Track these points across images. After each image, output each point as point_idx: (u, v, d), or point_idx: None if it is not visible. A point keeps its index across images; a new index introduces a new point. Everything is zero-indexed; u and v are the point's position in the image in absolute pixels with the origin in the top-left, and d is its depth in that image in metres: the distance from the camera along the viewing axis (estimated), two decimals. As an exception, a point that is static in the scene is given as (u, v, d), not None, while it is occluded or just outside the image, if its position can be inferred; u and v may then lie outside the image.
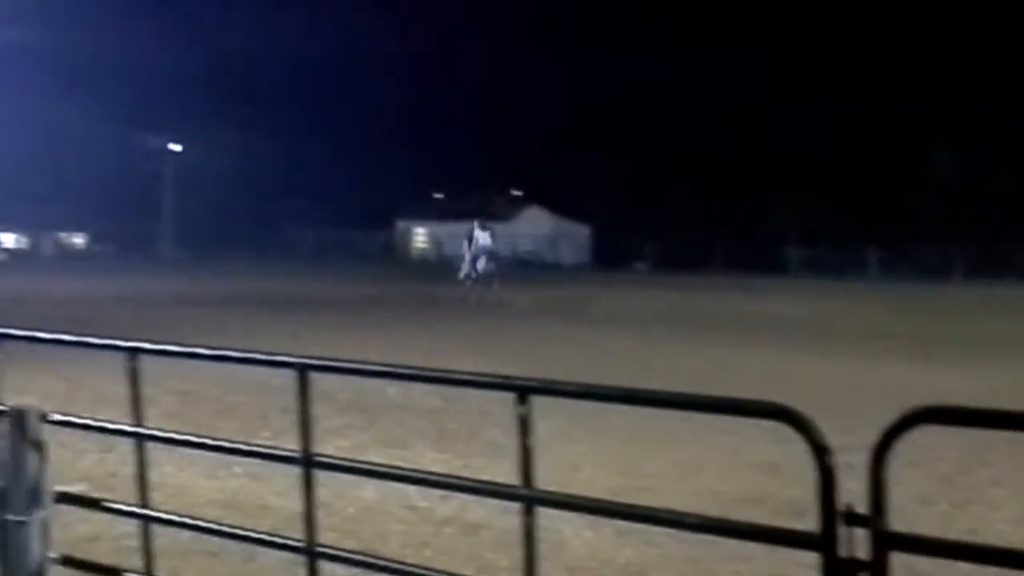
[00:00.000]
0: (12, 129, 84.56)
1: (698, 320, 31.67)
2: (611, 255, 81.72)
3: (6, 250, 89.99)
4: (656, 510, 3.09)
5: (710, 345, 23.63)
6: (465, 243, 39.45)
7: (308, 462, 3.69)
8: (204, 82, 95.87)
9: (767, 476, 10.39)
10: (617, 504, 3.17)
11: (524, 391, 3.05)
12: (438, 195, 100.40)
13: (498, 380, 3.32)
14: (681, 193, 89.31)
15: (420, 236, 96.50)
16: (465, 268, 38.51)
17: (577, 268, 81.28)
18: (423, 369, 3.62)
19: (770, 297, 43.89)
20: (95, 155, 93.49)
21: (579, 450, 11.33)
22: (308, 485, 3.71)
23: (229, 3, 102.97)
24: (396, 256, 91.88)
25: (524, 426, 3.08)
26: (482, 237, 38.77)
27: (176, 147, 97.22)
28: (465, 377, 3.73)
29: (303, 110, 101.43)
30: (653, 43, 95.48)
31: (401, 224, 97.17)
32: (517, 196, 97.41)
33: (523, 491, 3.07)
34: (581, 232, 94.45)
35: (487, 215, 47.30)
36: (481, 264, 38.24)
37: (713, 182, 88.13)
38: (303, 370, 3.70)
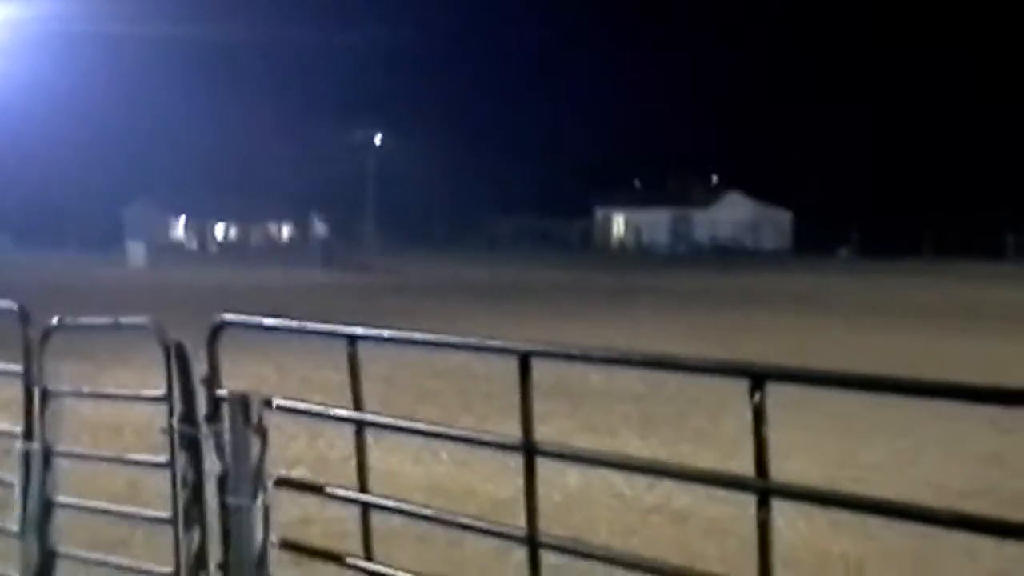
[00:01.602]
0: (222, 124, 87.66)
1: (908, 307, 30.67)
2: (814, 241, 79.85)
3: (218, 242, 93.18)
4: (886, 500, 2.89)
5: (922, 333, 22.82)
6: None
7: (529, 449, 3.61)
8: (405, 74, 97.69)
9: (990, 467, 9.92)
10: (852, 496, 2.98)
11: (759, 377, 2.89)
12: (636, 182, 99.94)
13: (731, 366, 3.16)
14: (888, 177, 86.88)
15: (619, 224, 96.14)
16: None
17: (778, 254, 79.84)
18: (649, 356, 3.49)
19: (986, 284, 42.21)
20: (301, 148, 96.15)
21: (788, 438, 10.92)
22: (530, 472, 3.63)
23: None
24: (595, 244, 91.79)
25: (759, 415, 2.90)
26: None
27: (377, 139, 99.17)
28: (694, 363, 3.56)
29: (502, 100, 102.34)
30: (854, 34, 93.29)
31: (600, 212, 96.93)
32: (716, 182, 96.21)
33: (759, 483, 2.91)
34: (783, 218, 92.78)
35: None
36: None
37: (923, 165, 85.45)
38: (525, 357, 3.62)
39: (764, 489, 2.86)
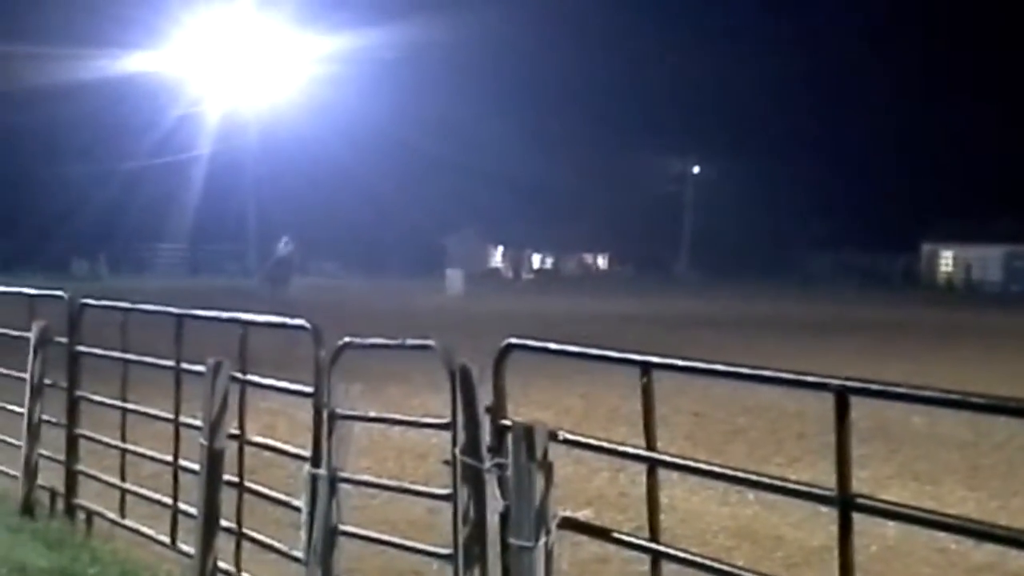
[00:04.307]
0: (541, 156, 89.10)
1: None
2: None
3: (533, 270, 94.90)
4: None
5: None
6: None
7: (845, 502, 3.14)
8: (722, 104, 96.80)
9: None
10: None
11: None
12: (966, 217, 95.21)
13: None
14: None
15: (946, 260, 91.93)
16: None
17: None
18: (992, 399, 2.97)
19: None
20: (617, 178, 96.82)
21: None
22: (845, 527, 3.15)
23: (738, 29, 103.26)
24: (920, 281, 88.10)
25: None
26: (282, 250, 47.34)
27: (695, 169, 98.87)
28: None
29: (823, 129, 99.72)
30: None
31: (927, 247, 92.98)
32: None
33: None
34: None
35: None
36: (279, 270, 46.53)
37: None
38: (842, 393, 3.16)
39: None
